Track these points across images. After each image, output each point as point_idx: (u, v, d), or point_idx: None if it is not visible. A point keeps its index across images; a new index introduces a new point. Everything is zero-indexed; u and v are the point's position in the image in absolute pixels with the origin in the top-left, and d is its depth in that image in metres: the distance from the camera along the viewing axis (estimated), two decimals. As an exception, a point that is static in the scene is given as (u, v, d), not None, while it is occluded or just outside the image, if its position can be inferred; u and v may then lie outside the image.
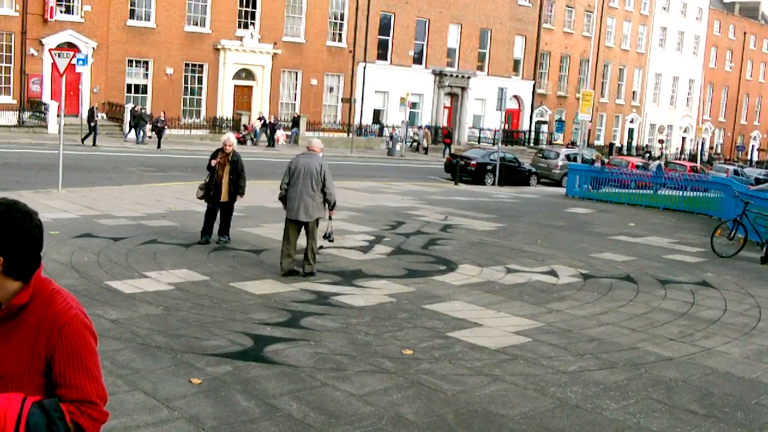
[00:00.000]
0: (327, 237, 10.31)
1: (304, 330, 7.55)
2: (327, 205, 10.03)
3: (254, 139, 37.05)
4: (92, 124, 28.98)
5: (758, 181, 36.78)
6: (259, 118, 38.02)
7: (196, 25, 37.25)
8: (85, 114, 32.20)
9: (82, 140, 28.98)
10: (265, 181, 20.29)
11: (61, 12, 32.70)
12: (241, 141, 34.68)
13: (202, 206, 15.51)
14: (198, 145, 32.91)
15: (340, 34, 42.88)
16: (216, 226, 11.87)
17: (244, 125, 37.47)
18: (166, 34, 36.07)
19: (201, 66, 37.73)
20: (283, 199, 10.07)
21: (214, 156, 11.66)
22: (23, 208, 2.29)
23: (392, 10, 44.72)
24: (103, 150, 27.89)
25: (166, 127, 32.12)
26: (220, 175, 11.54)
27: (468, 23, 48.66)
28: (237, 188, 11.65)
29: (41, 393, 2.31)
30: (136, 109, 32.57)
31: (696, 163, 46.89)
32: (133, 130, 31.93)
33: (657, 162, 39.31)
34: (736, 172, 38.88)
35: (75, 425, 2.29)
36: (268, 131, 37.26)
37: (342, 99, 42.81)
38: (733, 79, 72.10)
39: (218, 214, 11.77)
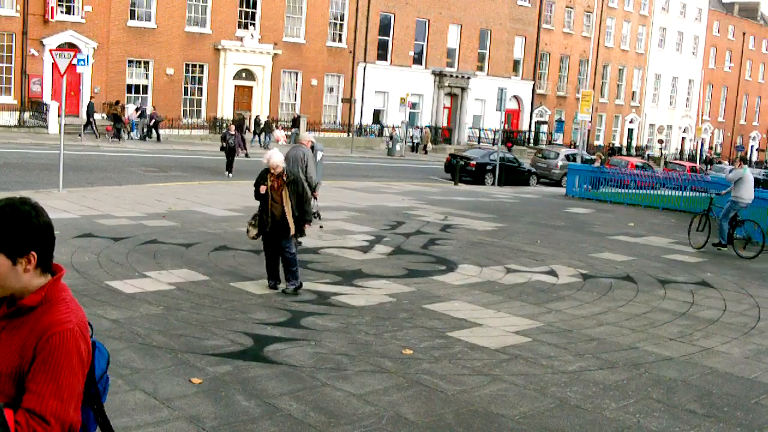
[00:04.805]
0: (314, 214, 11.13)
1: (304, 330, 7.56)
2: (310, 188, 10.84)
3: (130, 133, 33.51)
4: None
5: (757, 181, 36.76)
6: (137, 109, 34.11)
7: (197, 25, 37.26)
8: (84, 114, 32.23)
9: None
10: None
11: (61, 12, 32.71)
12: (115, 136, 31.74)
13: (202, 206, 15.60)
14: (198, 145, 32.96)
15: (340, 35, 42.89)
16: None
17: (116, 114, 32.75)
18: (166, 34, 36.08)
19: (201, 66, 37.74)
20: None
21: (263, 180, 9.23)
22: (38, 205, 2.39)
23: (392, 10, 44.73)
24: (103, 150, 27.91)
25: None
26: (278, 202, 9.19)
27: (468, 24, 48.66)
28: (303, 215, 9.34)
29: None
30: (259, 116, 32.47)
31: (695, 163, 46.94)
32: (257, 137, 33.03)
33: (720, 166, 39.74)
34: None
35: None
36: (146, 125, 33.48)
37: (342, 99, 42.82)
38: (732, 80, 72.12)
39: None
